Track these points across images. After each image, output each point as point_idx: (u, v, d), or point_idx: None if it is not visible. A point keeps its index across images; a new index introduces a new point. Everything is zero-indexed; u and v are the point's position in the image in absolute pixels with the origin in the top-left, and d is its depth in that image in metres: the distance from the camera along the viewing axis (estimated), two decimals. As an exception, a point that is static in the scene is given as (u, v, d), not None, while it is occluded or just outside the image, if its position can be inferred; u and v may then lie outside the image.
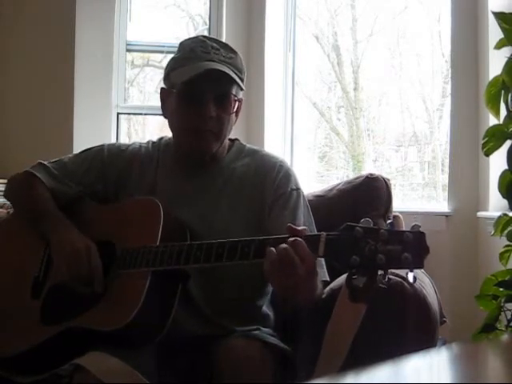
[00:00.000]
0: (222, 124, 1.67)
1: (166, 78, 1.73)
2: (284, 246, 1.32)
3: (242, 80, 1.70)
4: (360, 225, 1.28)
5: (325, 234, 1.33)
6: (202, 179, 1.73)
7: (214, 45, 1.68)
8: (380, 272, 1.25)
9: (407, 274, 1.24)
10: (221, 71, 1.62)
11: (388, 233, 1.25)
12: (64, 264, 1.61)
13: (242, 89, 1.71)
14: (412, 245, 1.23)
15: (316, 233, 1.40)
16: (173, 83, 1.69)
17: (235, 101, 1.68)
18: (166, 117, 1.75)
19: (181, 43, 1.74)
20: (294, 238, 1.33)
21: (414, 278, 1.25)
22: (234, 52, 1.71)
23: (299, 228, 1.38)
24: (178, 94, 1.67)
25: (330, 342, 1.37)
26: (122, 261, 1.57)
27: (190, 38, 1.75)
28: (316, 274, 1.41)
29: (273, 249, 1.33)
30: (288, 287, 1.34)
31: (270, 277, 1.36)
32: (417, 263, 1.23)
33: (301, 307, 1.51)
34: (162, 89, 1.75)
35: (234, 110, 1.69)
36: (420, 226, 1.25)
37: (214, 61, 1.64)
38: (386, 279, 1.25)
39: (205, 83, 1.63)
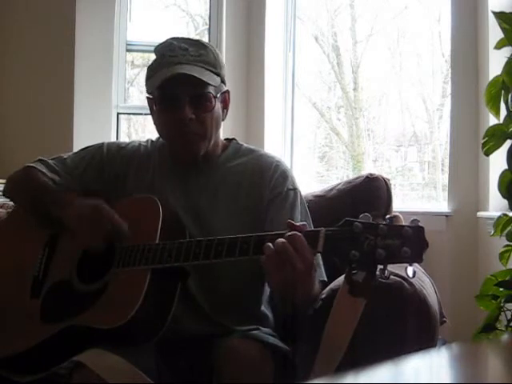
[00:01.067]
0: (204, 124, 1.66)
1: (146, 86, 1.74)
2: (281, 239, 1.32)
3: (217, 73, 1.69)
4: (359, 220, 1.28)
5: (324, 229, 1.33)
6: (197, 179, 1.73)
7: (182, 45, 1.68)
8: (380, 267, 1.25)
9: (406, 268, 1.24)
10: (187, 74, 1.61)
11: (387, 227, 1.25)
12: (85, 223, 1.60)
13: (223, 80, 1.70)
14: (411, 239, 1.23)
15: (315, 228, 1.40)
16: (151, 92, 1.71)
17: (214, 97, 1.67)
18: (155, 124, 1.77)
19: (154, 50, 1.73)
20: (291, 232, 1.33)
21: (414, 272, 1.25)
22: (205, 47, 1.70)
23: (298, 224, 1.38)
24: (155, 102, 1.69)
25: (330, 336, 1.37)
26: (121, 259, 1.57)
27: (161, 43, 1.73)
28: (314, 271, 1.41)
29: (270, 244, 1.33)
30: (286, 282, 1.34)
31: (268, 272, 1.36)
32: (416, 257, 1.23)
33: (299, 305, 1.51)
34: (147, 98, 1.76)
35: (214, 105, 1.67)
36: (419, 221, 1.25)
37: (181, 63, 1.64)
38: (386, 274, 1.25)
39: (176, 87, 1.63)
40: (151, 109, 1.74)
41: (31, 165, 1.80)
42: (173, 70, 1.63)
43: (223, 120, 1.75)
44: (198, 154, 1.69)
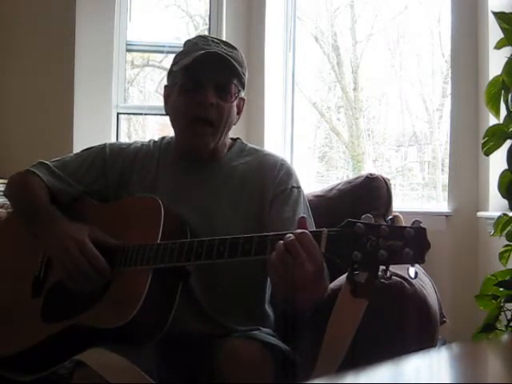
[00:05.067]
0: (221, 113, 1.68)
1: (169, 74, 1.76)
2: (290, 236, 1.32)
3: (243, 74, 1.72)
4: (361, 221, 1.28)
5: (326, 230, 1.33)
6: (202, 177, 1.74)
7: (215, 40, 1.72)
8: (382, 267, 1.25)
9: (408, 269, 1.24)
10: (220, 55, 1.65)
11: (389, 228, 1.25)
12: (58, 263, 1.61)
13: (243, 85, 1.73)
14: (413, 240, 1.23)
15: (317, 229, 1.40)
16: (174, 76, 1.72)
17: (236, 93, 1.70)
18: (168, 113, 1.77)
19: (185, 43, 1.77)
20: (300, 230, 1.33)
21: (416, 273, 1.25)
22: (235, 49, 1.74)
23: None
24: (179, 82, 1.70)
25: (331, 337, 1.37)
26: (122, 259, 1.57)
27: (193, 37, 1.78)
28: (326, 273, 1.40)
29: (281, 242, 1.32)
30: (295, 284, 1.33)
31: (275, 272, 1.34)
32: (418, 258, 1.23)
33: (304, 307, 1.49)
34: (165, 86, 1.78)
35: (234, 99, 1.70)
36: (421, 222, 1.26)
37: (214, 50, 1.67)
38: (388, 274, 1.25)
39: (204, 70, 1.66)
40: (166, 96, 1.76)
41: (32, 170, 1.79)
42: (207, 50, 1.66)
43: (234, 124, 1.77)
44: (206, 147, 1.70)
